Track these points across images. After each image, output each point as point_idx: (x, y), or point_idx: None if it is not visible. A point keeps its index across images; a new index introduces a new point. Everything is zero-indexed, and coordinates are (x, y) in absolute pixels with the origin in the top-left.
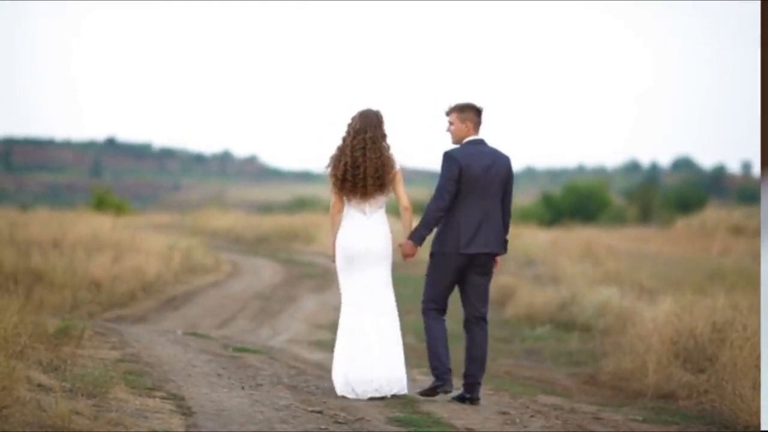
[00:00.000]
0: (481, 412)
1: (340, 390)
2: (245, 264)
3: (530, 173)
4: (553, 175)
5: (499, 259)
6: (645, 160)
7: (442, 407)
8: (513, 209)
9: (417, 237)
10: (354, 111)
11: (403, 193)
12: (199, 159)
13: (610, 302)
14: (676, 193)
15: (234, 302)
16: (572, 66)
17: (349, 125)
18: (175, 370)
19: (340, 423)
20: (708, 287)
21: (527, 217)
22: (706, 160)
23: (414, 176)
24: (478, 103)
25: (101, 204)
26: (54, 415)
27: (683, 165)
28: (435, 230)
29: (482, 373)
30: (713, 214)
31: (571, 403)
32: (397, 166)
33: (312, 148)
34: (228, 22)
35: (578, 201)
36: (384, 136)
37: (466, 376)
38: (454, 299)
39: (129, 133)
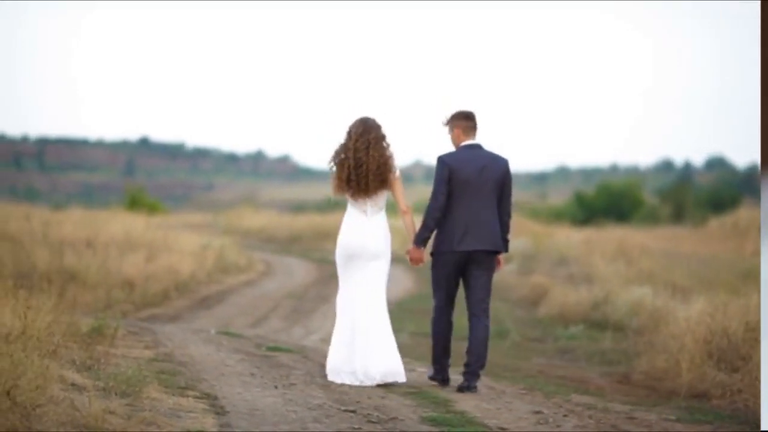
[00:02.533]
0: (514, 411)
1: (330, 377)
2: (278, 263)
3: (563, 172)
4: (586, 174)
5: (501, 258)
6: (678, 159)
7: (475, 407)
8: (546, 208)
9: (419, 239)
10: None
11: (401, 197)
12: (232, 159)
13: (644, 302)
14: (709, 193)
15: (267, 301)
16: (606, 65)
17: (350, 132)
18: (208, 369)
19: (373, 422)
20: (741, 287)
21: (560, 216)
22: (740, 159)
23: None
24: (467, 110)
25: (134, 203)
26: (87, 415)
27: (717, 164)
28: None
29: (479, 365)
30: (747, 213)
31: (604, 403)
32: (397, 171)
33: None
34: (262, 22)
35: (611, 200)
36: (384, 137)
37: (465, 365)
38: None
39: (162, 133)
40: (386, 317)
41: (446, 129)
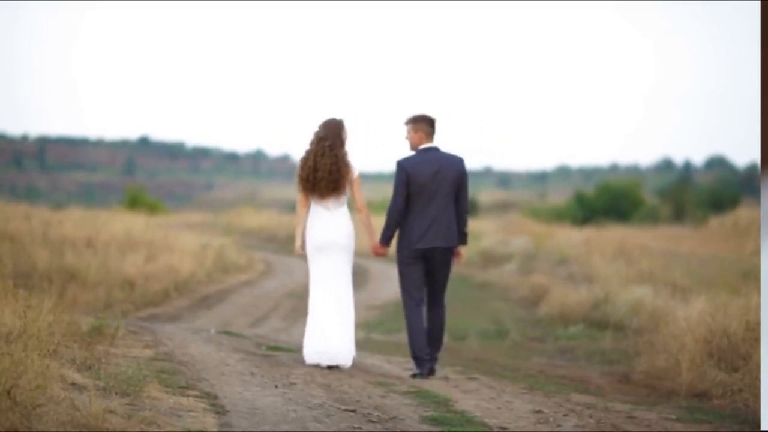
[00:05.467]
0: (515, 410)
1: (308, 360)
2: (278, 263)
3: (564, 172)
4: (587, 173)
5: (462, 251)
6: (678, 158)
7: (475, 406)
8: (546, 208)
9: (383, 238)
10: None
11: (358, 197)
12: (232, 158)
13: (644, 301)
14: (709, 192)
15: (267, 301)
16: (606, 64)
17: (315, 133)
18: (209, 368)
19: (373, 422)
20: (742, 286)
21: (560, 216)
22: (740, 158)
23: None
24: (430, 115)
25: (135, 203)
26: (88, 414)
27: (717, 163)
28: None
29: (437, 351)
30: (747, 212)
31: (604, 402)
32: (356, 173)
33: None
34: (262, 22)
35: (611, 200)
36: (342, 143)
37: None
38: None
39: (162, 132)
40: (350, 306)
41: (406, 128)
